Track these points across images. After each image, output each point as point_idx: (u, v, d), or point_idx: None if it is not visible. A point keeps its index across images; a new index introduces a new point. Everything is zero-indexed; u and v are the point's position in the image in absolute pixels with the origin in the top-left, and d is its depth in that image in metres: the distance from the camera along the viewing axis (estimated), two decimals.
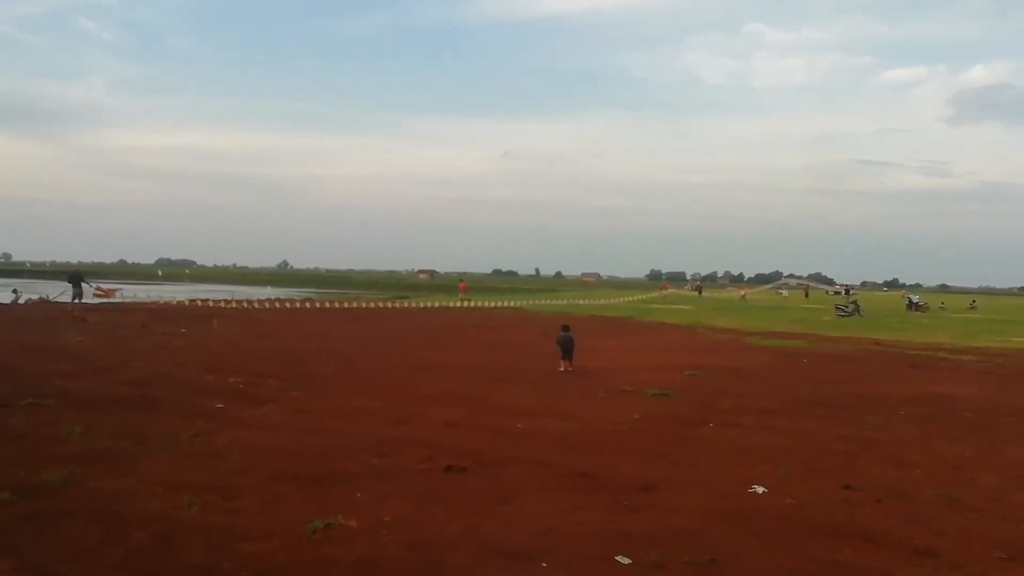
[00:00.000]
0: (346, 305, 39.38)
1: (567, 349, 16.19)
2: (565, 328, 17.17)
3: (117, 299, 38.21)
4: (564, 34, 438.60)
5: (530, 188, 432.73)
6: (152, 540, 5.29)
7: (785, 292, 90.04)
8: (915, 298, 54.63)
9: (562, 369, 15.77)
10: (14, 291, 38.53)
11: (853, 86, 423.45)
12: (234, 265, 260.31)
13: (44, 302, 33.57)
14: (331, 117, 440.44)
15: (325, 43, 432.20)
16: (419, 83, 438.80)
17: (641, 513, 6.20)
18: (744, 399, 12.20)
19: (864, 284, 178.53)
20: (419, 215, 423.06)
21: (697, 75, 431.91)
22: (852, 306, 41.73)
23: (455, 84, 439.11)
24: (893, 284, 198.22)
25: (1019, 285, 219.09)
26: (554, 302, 49.87)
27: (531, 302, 48.45)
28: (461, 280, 57.06)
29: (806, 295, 76.63)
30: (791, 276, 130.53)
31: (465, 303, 44.43)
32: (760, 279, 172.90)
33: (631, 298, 61.45)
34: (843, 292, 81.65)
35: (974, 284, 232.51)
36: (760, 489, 6.93)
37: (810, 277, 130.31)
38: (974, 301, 62.96)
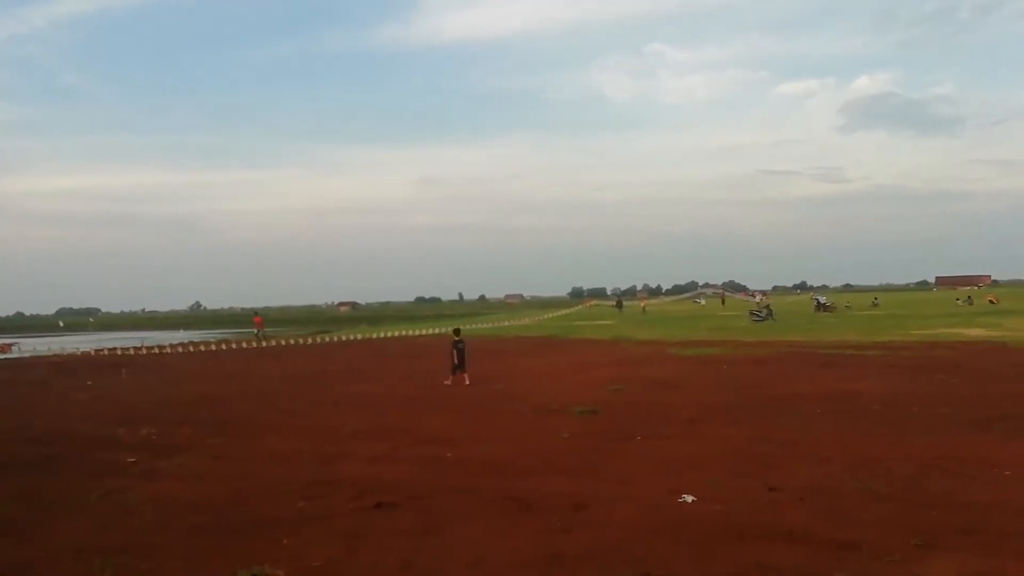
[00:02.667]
0: (264, 344, 38.20)
1: (462, 360, 17.09)
2: (456, 332, 18.35)
3: (13, 354, 35.99)
4: (473, 59, 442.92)
5: (449, 213, 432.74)
6: None
7: (702, 301, 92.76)
8: (822, 299, 57.26)
9: (448, 383, 16.72)
10: None
11: (752, 100, 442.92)
12: (143, 310, 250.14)
13: None
14: (239, 150, 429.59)
15: (228, 74, 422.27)
16: (330, 112, 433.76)
17: (574, 532, 6.19)
18: (669, 409, 12.43)
19: (775, 288, 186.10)
20: (337, 247, 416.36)
21: (605, 95, 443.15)
22: (765, 311, 43.36)
23: (367, 112, 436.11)
24: (802, 287, 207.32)
25: (916, 280, 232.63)
26: (479, 326, 49.80)
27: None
28: (256, 315, 50.92)
29: (723, 303, 79.19)
30: (707, 285, 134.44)
31: (263, 343, 38.42)
32: (677, 289, 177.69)
33: (554, 314, 62.07)
34: (756, 298, 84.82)
35: (875, 282, 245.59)
36: (689, 498, 7.04)
37: (725, 285, 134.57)
38: (876, 299, 66.52)
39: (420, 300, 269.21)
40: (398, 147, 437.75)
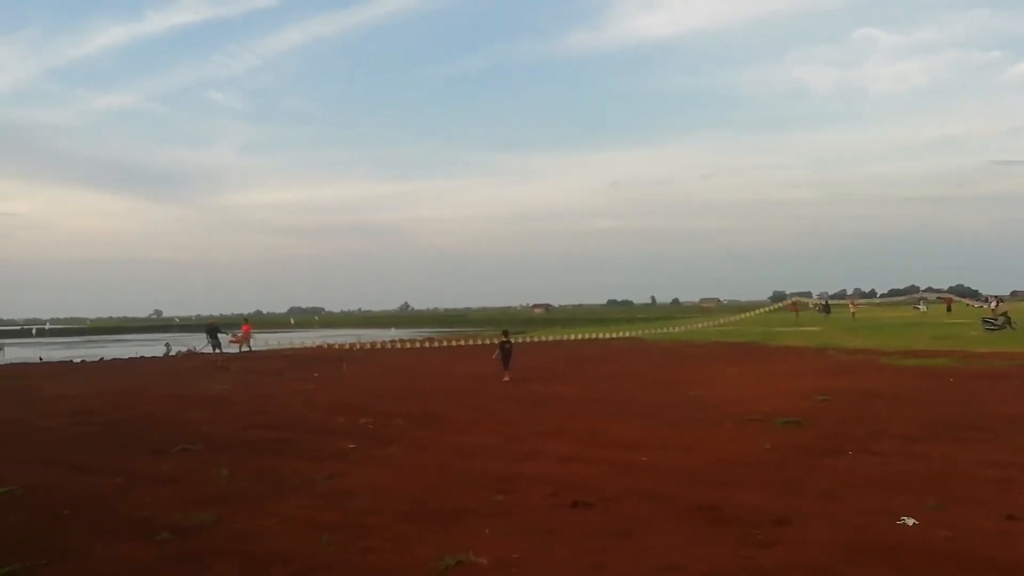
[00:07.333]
0: (463, 343, 40.19)
1: (507, 359, 19.54)
2: (505, 333, 21.60)
3: (251, 340, 40.49)
4: (660, 59, 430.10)
5: (640, 216, 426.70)
6: None
7: (923, 307, 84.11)
8: None
9: (507, 379, 18.72)
10: (166, 345, 42.31)
11: (980, 84, 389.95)
12: (359, 309, 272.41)
13: (191, 354, 36.32)
14: (438, 161, 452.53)
15: (424, 89, 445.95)
16: (522, 120, 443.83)
17: (774, 548, 5.92)
18: (883, 424, 11.45)
19: (1014, 294, 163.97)
20: (531, 250, 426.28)
21: (803, 87, 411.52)
22: (1002, 318, 38.38)
23: (557, 118, 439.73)
24: None
25: None
26: (672, 329, 48.85)
27: (648, 331, 47.68)
28: (246, 322, 42.22)
29: (948, 309, 71.25)
30: (929, 289, 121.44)
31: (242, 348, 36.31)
32: (893, 294, 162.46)
33: (748, 314, 59.19)
34: (991, 304, 75.33)
35: None
36: (909, 521, 6.46)
37: (951, 289, 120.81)
38: None
39: (612, 303, 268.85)
40: (587, 151, 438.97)
